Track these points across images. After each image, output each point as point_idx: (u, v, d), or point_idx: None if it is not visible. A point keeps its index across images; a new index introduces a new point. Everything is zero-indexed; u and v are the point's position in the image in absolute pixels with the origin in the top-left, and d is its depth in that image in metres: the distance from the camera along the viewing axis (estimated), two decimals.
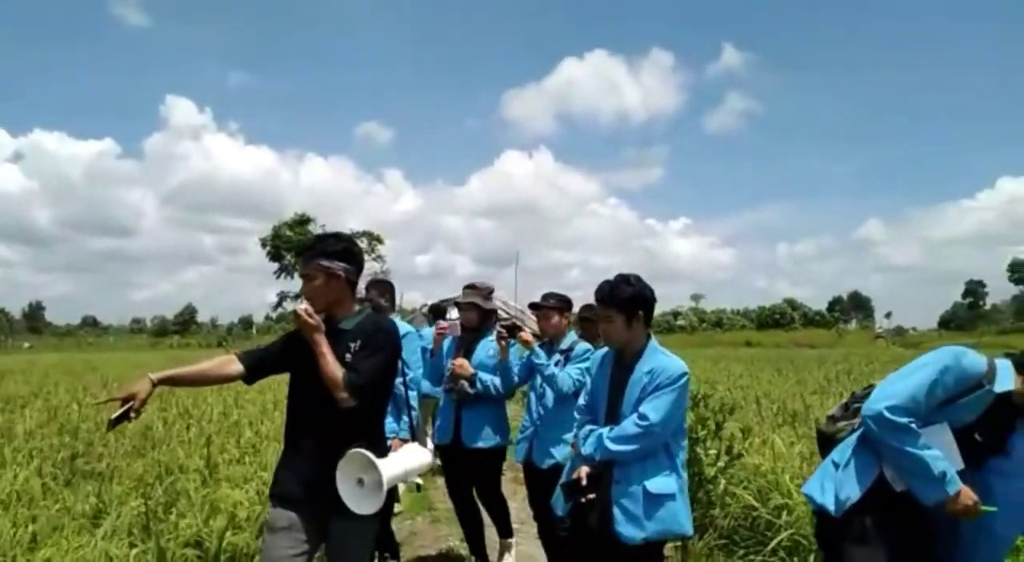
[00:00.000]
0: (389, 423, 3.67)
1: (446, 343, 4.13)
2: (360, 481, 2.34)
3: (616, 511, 2.67)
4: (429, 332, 4.76)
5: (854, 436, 2.45)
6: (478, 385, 3.93)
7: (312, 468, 2.40)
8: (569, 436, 3.43)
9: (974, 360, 2.27)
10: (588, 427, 2.86)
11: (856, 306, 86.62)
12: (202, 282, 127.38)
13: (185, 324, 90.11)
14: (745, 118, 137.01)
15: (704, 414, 4.73)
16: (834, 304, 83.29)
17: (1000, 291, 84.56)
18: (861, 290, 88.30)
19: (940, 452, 2.21)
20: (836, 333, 63.69)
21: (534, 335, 4.00)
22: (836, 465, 2.43)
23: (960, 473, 2.24)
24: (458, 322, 4.02)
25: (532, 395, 3.98)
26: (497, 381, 3.95)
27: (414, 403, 3.73)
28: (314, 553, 2.47)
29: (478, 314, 4.04)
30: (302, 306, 2.42)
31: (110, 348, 60.73)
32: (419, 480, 2.65)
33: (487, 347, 4.03)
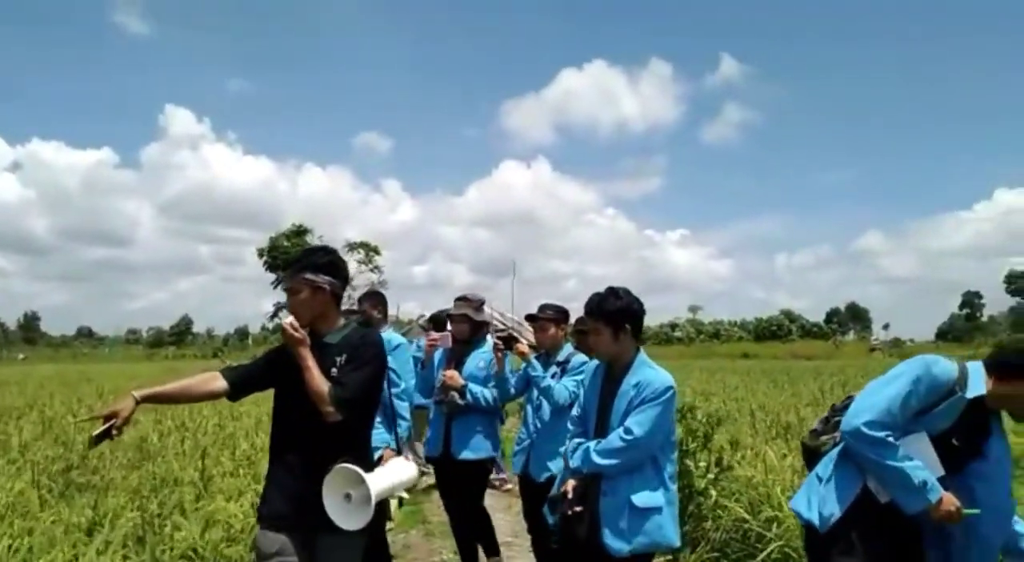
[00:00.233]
0: (381, 433, 3.71)
1: (437, 355, 4.17)
2: (347, 496, 2.32)
3: (603, 523, 2.71)
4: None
5: (836, 450, 2.48)
6: (468, 397, 3.95)
7: (298, 484, 2.38)
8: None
9: (945, 368, 2.30)
10: (576, 440, 2.90)
11: (854, 317, 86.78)
12: (198, 292, 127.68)
13: (181, 335, 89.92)
14: (743, 129, 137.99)
15: (693, 425, 4.76)
16: (832, 315, 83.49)
17: (997, 302, 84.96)
18: (859, 301, 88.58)
19: (920, 461, 2.25)
20: (833, 345, 63.75)
21: (531, 347, 4.03)
22: (820, 479, 2.46)
23: (942, 479, 2.27)
24: (449, 334, 4.06)
25: (529, 407, 3.99)
26: (487, 393, 3.98)
27: (406, 414, 3.76)
28: None
29: (469, 326, 4.08)
30: (287, 320, 2.41)
31: (106, 359, 60.60)
32: (404, 494, 2.63)
33: (478, 359, 4.06)
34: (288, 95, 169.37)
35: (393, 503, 5.18)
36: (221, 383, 2.48)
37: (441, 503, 4.54)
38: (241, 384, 2.52)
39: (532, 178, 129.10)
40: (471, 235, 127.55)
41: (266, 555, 2.39)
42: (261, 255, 48.41)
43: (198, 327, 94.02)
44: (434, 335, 4.16)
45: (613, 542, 2.69)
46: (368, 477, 2.29)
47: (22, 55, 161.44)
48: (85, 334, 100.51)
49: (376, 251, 48.45)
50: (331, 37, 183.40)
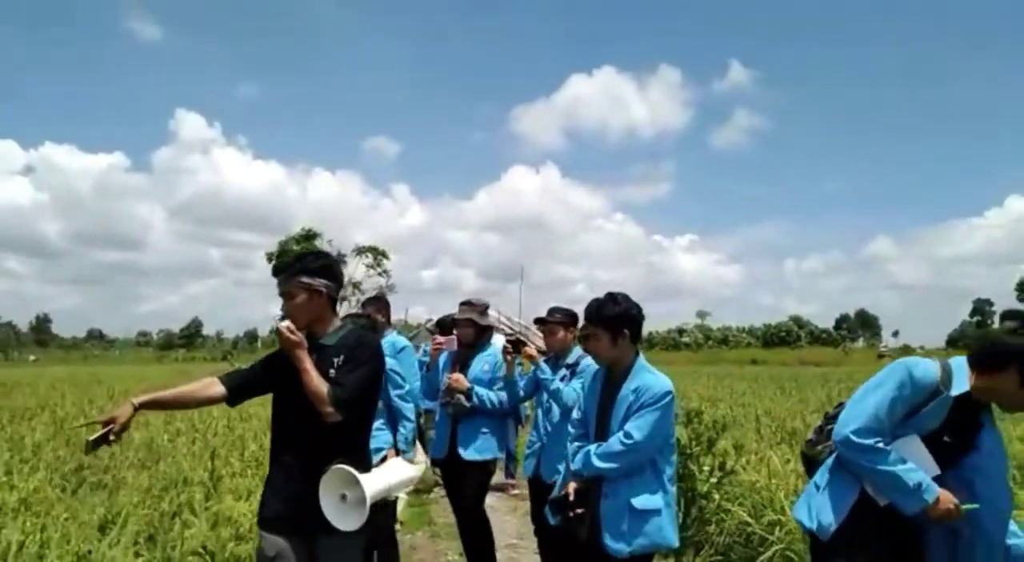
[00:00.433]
0: (386, 435, 3.77)
1: (442, 358, 4.22)
2: (343, 497, 2.33)
3: (604, 525, 2.76)
4: None
5: (832, 458, 2.51)
6: (474, 399, 4.00)
7: (297, 486, 2.40)
8: None
9: (926, 370, 2.31)
10: (576, 444, 2.95)
11: (863, 324, 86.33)
12: (208, 296, 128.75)
13: (191, 338, 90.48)
14: (752, 134, 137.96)
15: (698, 430, 4.80)
16: (841, 322, 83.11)
17: None
18: (869, 308, 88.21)
19: (913, 463, 2.27)
20: (842, 351, 63.38)
21: (539, 351, 4.07)
22: (818, 488, 2.49)
23: (940, 477, 2.29)
24: (455, 338, 4.12)
25: (539, 411, 4.01)
26: (492, 395, 4.03)
27: (411, 415, 3.82)
28: None
29: (474, 330, 4.14)
30: (284, 323, 2.42)
31: (116, 361, 61.03)
32: (403, 495, 2.64)
33: (482, 362, 4.12)
34: (297, 100, 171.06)
35: (401, 503, 5.25)
36: (219, 389, 2.49)
37: (446, 506, 4.58)
38: (239, 389, 2.54)
39: (541, 183, 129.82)
40: (480, 240, 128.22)
41: (265, 559, 2.42)
42: (270, 259, 48.56)
43: (208, 330, 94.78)
44: (440, 339, 4.22)
45: (614, 544, 2.74)
46: (362, 478, 2.30)
47: (34, 59, 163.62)
48: (96, 336, 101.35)
49: (385, 255, 48.52)
50: (340, 42, 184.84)
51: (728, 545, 4.50)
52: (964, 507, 2.24)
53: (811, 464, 2.66)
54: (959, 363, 2.32)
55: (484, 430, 4.06)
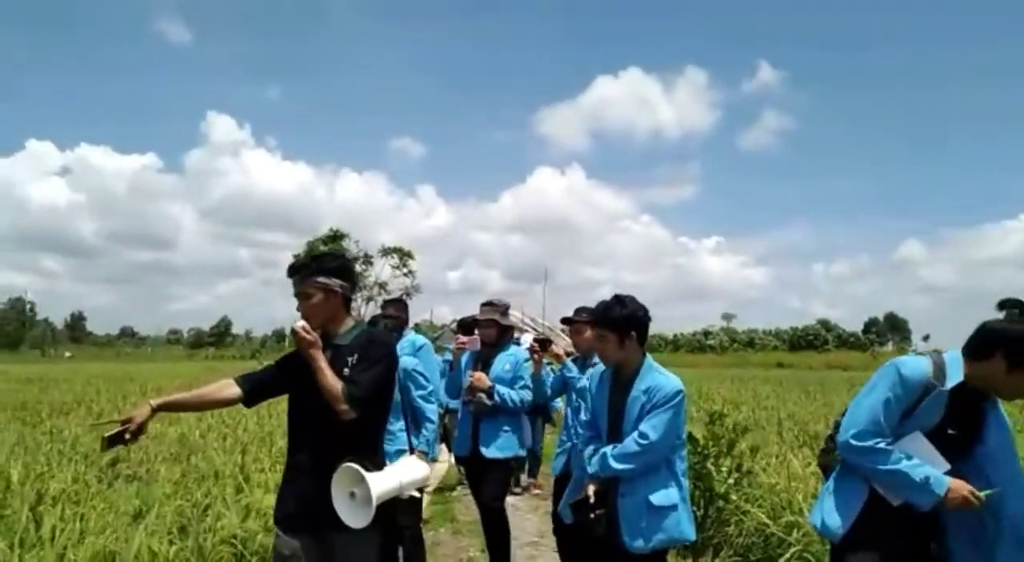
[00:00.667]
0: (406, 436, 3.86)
1: (464, 357, 4.31)
2: (352, 494, 2.35)
3: (622, 523, 2.82)
4: None
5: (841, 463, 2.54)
6: (496, 397, 4.08)
7: (311, 484, 2.41)
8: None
9: (915, 367, 2.33)
10: (592, 446, 3.01)
11: (892, 328, 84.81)
12: (237, 295, 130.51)
13: (220, 336, 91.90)
14: (780, 136, 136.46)
15: (719, 432, 4.83)
16: (870, 326, 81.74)
17: None
18: (898, 312, 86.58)
19: (920, 459, 2.29)
20: (871, 355, 62.23)
21: (565, 352, 4.13)
22: (829, 492, 2.53)
23: (951, 471, 2.29)
24: (478, 338, 4.21)
25: (568, 410, 4.04)
26: (514, 394, 4.10)
27: (433, 417, 3.90)
28: None
29: (496, 330, 4.22)
30: (299, 323, 2.43)
31: (148, 359, 62.26)
32: (416, 493, 2.61)
33: (504, 361, 4.19)
34: (325, 102, 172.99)
35: (425, 500, 5.33)
36: (235, 390, 2.51)
37: (469, 503, 4.66)
38: (255, 391, 2.56)
39: (566, 185, 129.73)
40: (505, 241, 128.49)
41: (281, 557, 2.45)
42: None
43: (237, 328, 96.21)
44: (463, 339, 4.32)
45: (633, 541, 2.79)
46: (369, 476, 2.31)
47: (69, 62, 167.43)
48: (128, 334, 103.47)
49: (410, 256, 48.91)
50: (367, 44, 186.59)
51: (747, 546, 4.53)
52: (982, 493, 2.23)
53: (828, 472, 2.69)
54: (953, 356, 2.33)
55: (506, 428, 4.14)
